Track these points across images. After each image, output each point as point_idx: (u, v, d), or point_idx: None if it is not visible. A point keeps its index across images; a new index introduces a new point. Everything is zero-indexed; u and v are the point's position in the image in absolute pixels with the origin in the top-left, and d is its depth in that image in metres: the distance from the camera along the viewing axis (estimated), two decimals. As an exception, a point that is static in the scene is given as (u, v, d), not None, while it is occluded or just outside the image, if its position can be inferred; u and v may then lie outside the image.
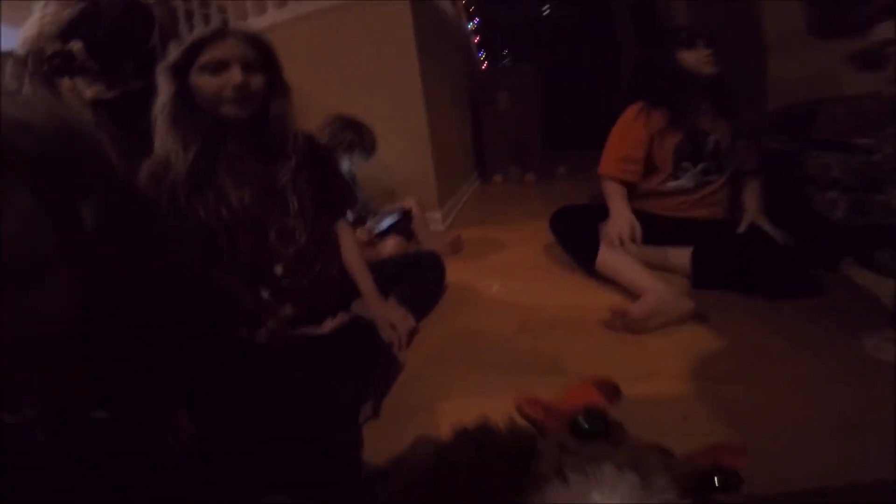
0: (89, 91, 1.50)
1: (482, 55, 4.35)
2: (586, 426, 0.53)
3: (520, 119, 3.31)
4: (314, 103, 1.95)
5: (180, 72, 0.90)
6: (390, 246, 1.67)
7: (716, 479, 0.47)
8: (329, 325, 1.04)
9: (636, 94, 1.46)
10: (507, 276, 1.57)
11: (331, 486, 0.60)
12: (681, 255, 1.36)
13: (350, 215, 1.75)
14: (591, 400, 0.70)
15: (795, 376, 0.91)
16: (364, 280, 1.13)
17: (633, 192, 1.46)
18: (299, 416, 0.66)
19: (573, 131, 3.86)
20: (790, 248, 1.20)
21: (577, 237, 1.43)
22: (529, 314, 1.28)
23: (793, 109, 2.13)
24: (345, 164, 1.71)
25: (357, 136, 1.71)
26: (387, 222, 1.74)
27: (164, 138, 0.91)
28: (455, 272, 1.57)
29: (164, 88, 0.91)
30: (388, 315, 1.12)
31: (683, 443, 0.72)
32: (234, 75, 0.87)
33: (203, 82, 0.89)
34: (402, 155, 2.07)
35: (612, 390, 0.83)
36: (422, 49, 1.95)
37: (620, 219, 1.34)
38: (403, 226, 1.79)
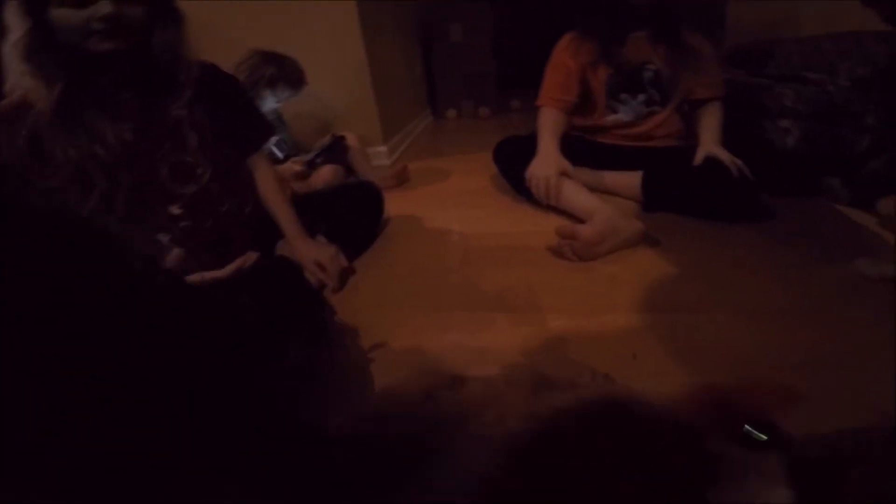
0: None
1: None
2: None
3: (474, 52, 3.07)
4: (238, 37, 1.70)
5: (35, 6, 0.72)
6: (325, 173, 1.49)
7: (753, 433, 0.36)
8: (230, 268, 0.88)
9: (574, 22, 1.36)
10: (451, 204, 1.47)
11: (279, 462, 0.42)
12: (629, 179, 1.31)
13: (279, 153, 1.56)
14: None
15: (750, 308, 0.87)
16: (284, 216, 1.01)
17: (578, 127, 1.41)
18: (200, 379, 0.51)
19: (527, 67, 3.66)
20: (743, 175, 1.14)
21: (519, 167, 1.32)
22: (475, 244, 1.18)
23: (750, 47, 2.09)
24: (269, 101, 1.53)
25: (278, 69, 1.51)
26: (317, 152, 1.55)
27: (19, 77, 0.75)
28: (397, 203, 1.45)
29: (17, 25, 0.73)
30: (314, 254, 1.00)
31: (632, 384, 0.67)
32: (102, 6, 0.71)
33: (64, 16, 0.72)
34: (339, 88, 1.88)
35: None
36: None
37: (543, 164, 1.24)
38: (339, 153, 1.61)
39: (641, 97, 1.31)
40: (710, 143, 1.23)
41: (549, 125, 1.31)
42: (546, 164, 1.24)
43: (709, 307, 0.87)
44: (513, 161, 1.38)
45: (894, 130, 1.26)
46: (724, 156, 1.17)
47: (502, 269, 1.06)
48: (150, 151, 0.83)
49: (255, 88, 1.47)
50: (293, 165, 1.49)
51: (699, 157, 1.20)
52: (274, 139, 1.55)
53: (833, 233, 1.15)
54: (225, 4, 1.69)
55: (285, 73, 1.51)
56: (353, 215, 1.19)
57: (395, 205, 1.42)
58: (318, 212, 1.12)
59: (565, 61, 1.32)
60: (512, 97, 3.20)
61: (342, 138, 1.64)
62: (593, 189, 1.36)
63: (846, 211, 1.28)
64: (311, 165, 1.52)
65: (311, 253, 1.00)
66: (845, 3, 1.27)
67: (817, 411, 0.63)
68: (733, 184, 1.14)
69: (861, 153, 1.30)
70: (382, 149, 1.97)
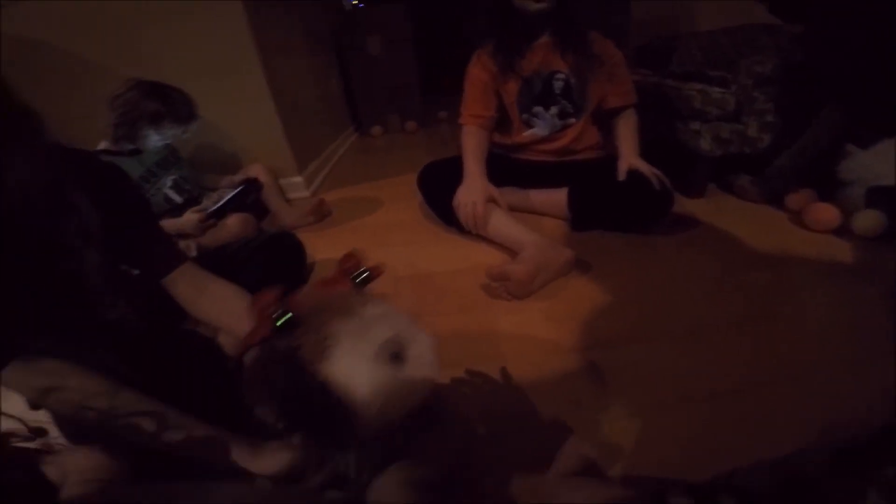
0: None
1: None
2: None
3: (394, 64, 2.97)
4: (113, 66, 1.50)
5: None
6: (231, 225, 1.32)
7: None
8: None
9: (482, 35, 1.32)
10: (379, 241, 1.37)
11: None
12: (555, 197, 1.29)
13: (177, 198, 1.38)
14: None
15: (683, 330, 0.85)
16: None
17: (499, 145, 1.38)
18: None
19: (451, 73, 3.64)
20: (664, 187, 1.15)
21: (444, 197, 1.25)
22: (405, 288, 1.09)
23: (654, 45, 2.17)
24: (153, 140, 1.32)
25: (164, 104, 1.29)
26: (225, 197, 1.38)
27: None
28: (320, 244, 1.34)
29: None
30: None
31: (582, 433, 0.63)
32: None
33: None
34: (241, 117, 1.68)
35: None
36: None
37: (469, 191, 1.20)
38: (250, 199, 1.44)
39: (555, 109, 1.28)
40: (630, 155, 1.22)
41: (472, 146, 1.26)
42: (472, 191, 1.19)
43: (644, 336, 0.85)
44: (438, 189, 1.31)
45: (793, 126, 1.33)
46: (645, 168, 1.16)
47: (435, 318, 0.97)
48: None
49: (135, 127, 1.28)
50: (193, 216, 1.31)
51: (622, 172, 1.19)
52: (169, 180, 1.37)
53: (749, 234, 1.18)
54: (96, 28, 1.47)
55: (171, 107, 1.31)
56: (269, 275, 1.05)
57: (317, 246, 1.30)
58: (227, 274, 0.98)
59: (479, 76, 1.28)
60: (439, 107, 3.15)
61: (254, 180, 1.48)
62: (520, 210, 1.34)
63: (758, 209, 1.33)
64: (218, 215, 1.34)
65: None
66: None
67: (760, 433, 0.63)
68: (656, 197, 1.13)
69: (765, 150, 1.36)
70: (298, 179, 1.81)
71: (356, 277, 0.55)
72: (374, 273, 0.57)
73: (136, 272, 0.76)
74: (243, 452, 0.60)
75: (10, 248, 0.51)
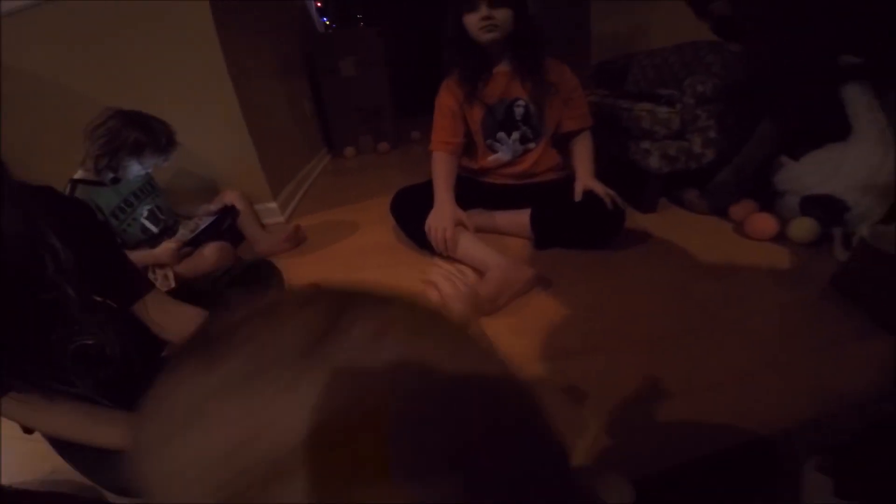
0: None
1: (325, 20, 3.93)
2: None
3: (368, 85, 3.04)
4: (87, 93, 1.52)
5: None
6: (208, 255, 1.35)
7: None
8: None
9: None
10: (354, 266, 1.41)
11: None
12: (519, 218, 1.37)
13: (153, 227, 1.40)
14: None
15: (645, 337, 0.93)
16: None
17: (467, 169, 1.44)
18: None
19: (425, 94, 3.72)
20: (617, 206, 1.24)
21: (416, 221, 1.32)
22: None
23: (610, 64, 2.29)
24: (134, 170, 1.34)
25: (144, 133, 1.31)
26: (201, 226, 1.41)
27: None
28: (296, 271, 1.37)
29: None
30: None
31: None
32: None
33: None
34: (215, 143, 1.71)
35: None
36: (221, 16, 1.59)
37: (439, 216, 1.27)
38: (226, 227, 1.47)
39: (516, 135, 1.35)
40: (585, 177, 1.31)
41: (442, 172, 1.33)
42: (442, 216, 1.26)
43: (607, 345, 0.91)
44: (410, 214, 1.38)
45: (735, 141, 1.44)
46: (599, 189, 1.25)
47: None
48: None
49: (117, 157, 1.29)
50: (170, 246, 1.33)
51: (578, 192, 1.27)
52: (145, 210, 1.39)
53: (698, 245, 1.28)
54: (71, 56, 1.50)
55: (153, 136, 1.32)
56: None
57: (294, 274, 1.34)
58: (204, 306, 1.01)
59: (448, 103, 1.34)
60: (412, 127, 3.22)
61: (231, 208, 1.51)
62: (487, 230, 1.41)
63: (706, 220, 1.44)
64: (194, 244, 1.37)
65: None
66: (686, 16, 1.44)
67: (709, 431, 0.69)
68: (609, 216, 1.22)
69: (710, 165, 1.47)
70: (273, 205, 1.84)
71: None
72: None
73: (114, 305, 0.80)
74: None
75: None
